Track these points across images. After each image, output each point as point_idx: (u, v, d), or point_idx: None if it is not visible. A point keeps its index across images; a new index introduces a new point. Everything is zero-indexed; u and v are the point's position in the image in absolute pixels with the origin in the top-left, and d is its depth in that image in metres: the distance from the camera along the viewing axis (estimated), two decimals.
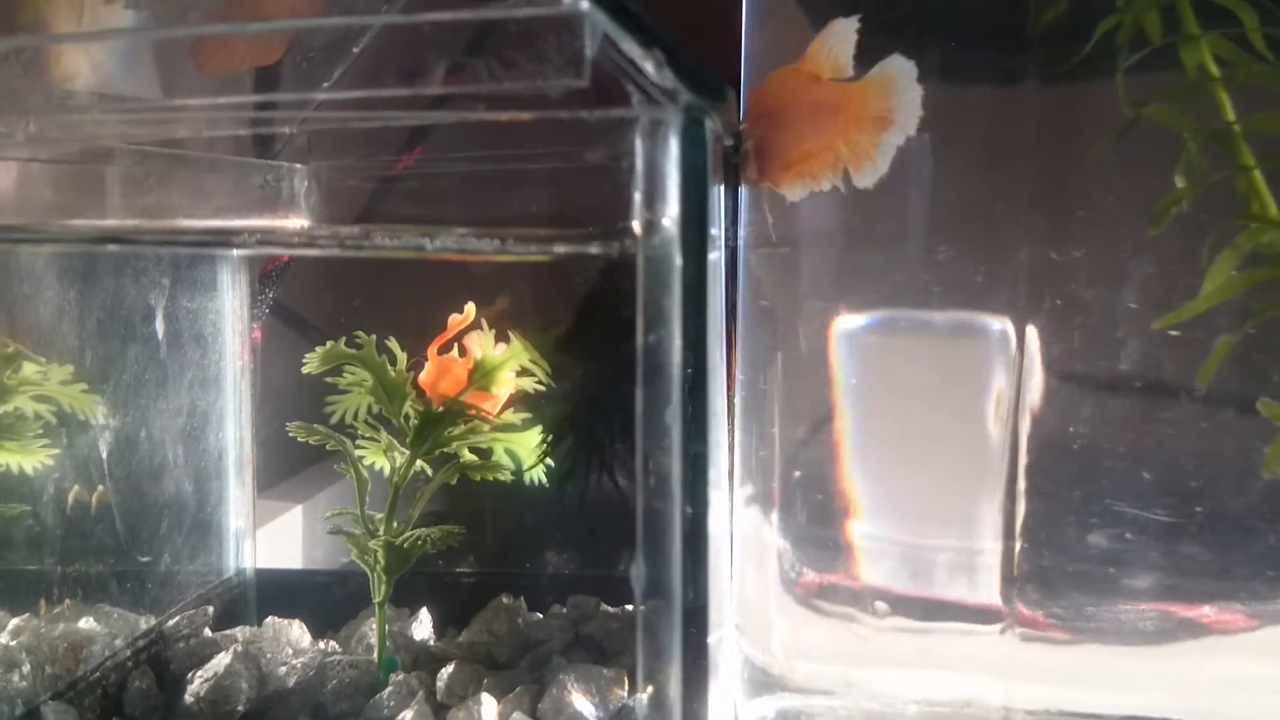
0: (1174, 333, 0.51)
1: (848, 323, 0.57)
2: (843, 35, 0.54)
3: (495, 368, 0.69)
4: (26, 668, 0.60)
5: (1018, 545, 0.54)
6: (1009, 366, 0.54)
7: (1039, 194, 0.53)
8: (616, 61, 0.43)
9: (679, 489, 0.46)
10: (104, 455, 0.65)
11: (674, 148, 0.44)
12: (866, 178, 0.53)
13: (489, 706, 0.58)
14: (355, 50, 0.76)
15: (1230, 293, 0.50)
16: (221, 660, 0.64)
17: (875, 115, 0.53)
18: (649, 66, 0.43)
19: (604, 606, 0.74)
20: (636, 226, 0.46)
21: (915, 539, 0.57)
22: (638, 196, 0.45)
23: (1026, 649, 0.55)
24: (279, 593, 0.79)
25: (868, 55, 0.53)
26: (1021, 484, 0.54)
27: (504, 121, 0.46)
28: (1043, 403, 0.54)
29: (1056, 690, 0.55)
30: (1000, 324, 0.54)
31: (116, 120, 0.64)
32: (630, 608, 0.74)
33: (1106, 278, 0.52)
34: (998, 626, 0.55)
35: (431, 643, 0.71)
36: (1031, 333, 0.53)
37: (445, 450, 0.69)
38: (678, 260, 0.45)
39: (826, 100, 0.54)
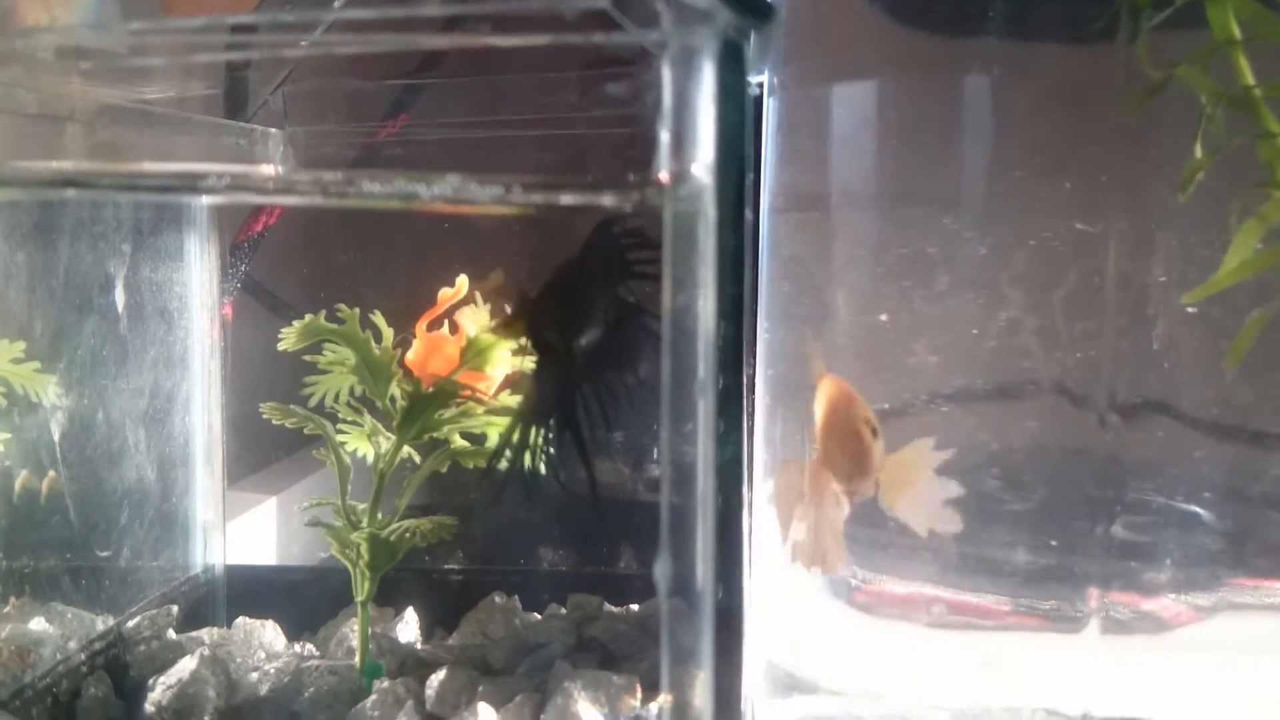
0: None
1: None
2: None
3: (489, 346, 0.63)
4: None
5: None
6: None
7: None
8: None
9: (711, 477, 0.40)
10: (56, 438, 0.59)
11: (709, 80, 0.38)
12: None
13: (486, 718, 0.52)
14: (337, 4, 0.71)
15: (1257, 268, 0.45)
16: (186, 665, 0.58)
17: None
18: None
19: (607, 606, 0.69)
20: (663, 174, 0.40)
21: None
22: (665, 138, 0.39)
23: None
24: (250, 591, 0.73)
25: None
26: None
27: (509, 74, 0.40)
28: None
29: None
30: None
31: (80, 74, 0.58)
32: (636, 608, 0.69)
33: None
34: None
35: (419, 646, 0.65)
36: None
37: (435, 435, 0.63)
38: (712, 213, 0.39)
39: None
